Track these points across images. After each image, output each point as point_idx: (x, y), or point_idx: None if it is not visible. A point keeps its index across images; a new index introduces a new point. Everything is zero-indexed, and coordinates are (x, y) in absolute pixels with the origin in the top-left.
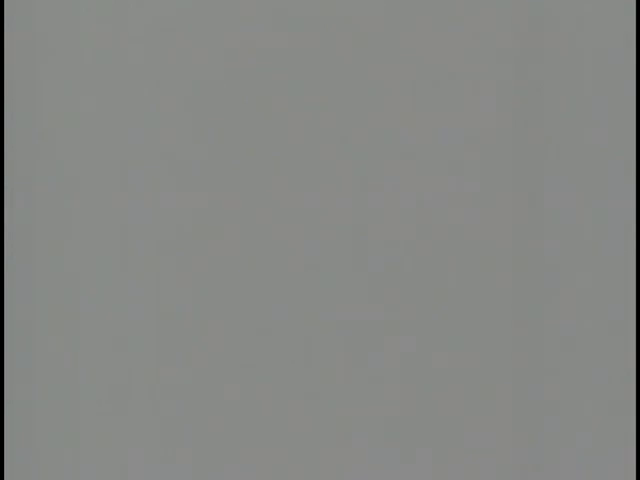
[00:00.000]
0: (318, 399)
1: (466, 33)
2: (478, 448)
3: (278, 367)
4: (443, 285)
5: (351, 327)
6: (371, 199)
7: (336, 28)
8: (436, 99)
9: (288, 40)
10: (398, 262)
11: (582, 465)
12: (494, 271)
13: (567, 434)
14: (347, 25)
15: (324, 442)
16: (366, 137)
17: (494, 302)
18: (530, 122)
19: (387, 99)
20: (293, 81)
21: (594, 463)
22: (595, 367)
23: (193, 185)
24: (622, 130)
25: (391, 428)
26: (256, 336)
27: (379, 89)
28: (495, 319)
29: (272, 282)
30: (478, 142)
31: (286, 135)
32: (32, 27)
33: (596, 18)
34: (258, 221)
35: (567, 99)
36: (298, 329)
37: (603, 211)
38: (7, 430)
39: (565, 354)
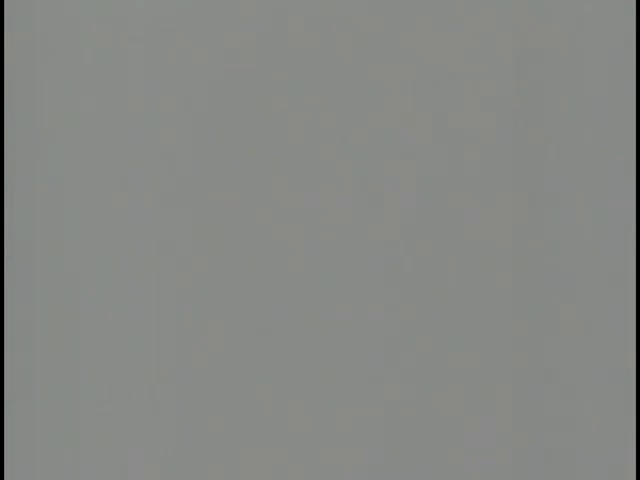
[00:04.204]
0: (317, 398)
1: (466, 33)
2: (478, 448)
3: (279, 368)
4: (443, 285)
5: (350, 326)
6: (370, 199)
7: (336, 28)
8: (436, 99)
9: (288, 40)
10: (397, 262)
11: (582, 465)
12: (494, 271)
13: (567, 434)
14: (347, 25)
15: (323, 442)
16: (365, 137)
17: (494, 302)
18: (530, 122)
19: (387, 99)
20: (293, 81)
21: (594, 463)
22: (595, 367)
23: (193, 185)
24: (622, 130)
25: (390, 428)
26: (256, 337)
27: (379, 89)
28: (495, 319)
29: (272, 282)
30: (478, 142)
31: (286, 135)
32: (32, 27)
33: (596, 18)
34: (258, 221)
35: (567, 99)
36: (298, 328)
37: (603, 211)
38: (7, 430)
39: (565, 353)
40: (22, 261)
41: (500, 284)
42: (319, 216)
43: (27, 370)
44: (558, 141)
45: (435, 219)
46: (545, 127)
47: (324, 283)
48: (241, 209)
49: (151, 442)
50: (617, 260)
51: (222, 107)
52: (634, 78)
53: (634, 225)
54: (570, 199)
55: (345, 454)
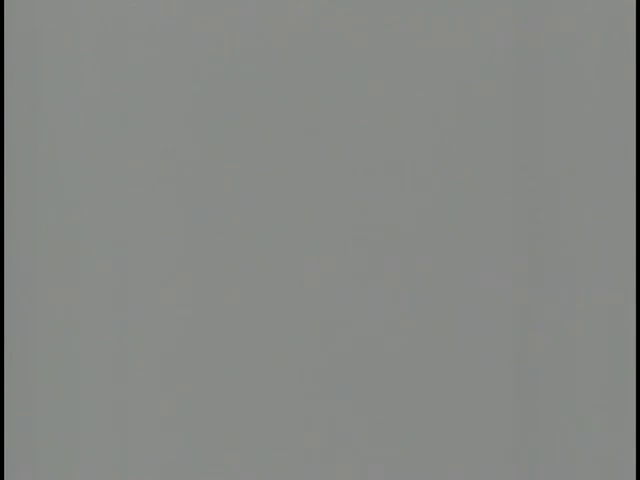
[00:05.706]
0: (317, 398)
1: (466, 33)
2: (478, 447)
3: (281, 369)
4: (442, 284)
5: (349, 323)
6: (368, 198)
7: (335, 28)
8: (435, 98)
9: (289, 40)
10: (396, 261)
11: (582, 464)
12: (493, 271)
13: (566, 434)
14: (346, 25)
15: (323, 442)
16: (364, 136)
17: (493, 303)
18: (530, 122)
19: (386, 98)
20: (293, 81)
21: (594, 463)
22: (595, 367)
23: (194, 186)
24: (622, 130)
25: (389, 428)
26: (258, 338)
27: (378, 88)
28: (495, 319)
29: (274, 284)
30: (478, 142)
31: (287, 135)
32: (32, 27)
33: (596, 18)
34: (259, 222)
35: (567, 100)
36: (297, 327)
37: (603, 211)
38: (7, 430)
39: (565, 353)
40: (22, 260)
41: (499, 285)
42: (317, 214)
43: (27, 370)
44: (557, 140)
45: (433, 220)
46: (545, 128)
47: (324, 282)
48: (240, 209)
49: (151, 442)
50: (617, 259)
51: (224, 107)
52: (634, 78)
53: (634, 225)
54: (570, 198)
55: (341, 452)
